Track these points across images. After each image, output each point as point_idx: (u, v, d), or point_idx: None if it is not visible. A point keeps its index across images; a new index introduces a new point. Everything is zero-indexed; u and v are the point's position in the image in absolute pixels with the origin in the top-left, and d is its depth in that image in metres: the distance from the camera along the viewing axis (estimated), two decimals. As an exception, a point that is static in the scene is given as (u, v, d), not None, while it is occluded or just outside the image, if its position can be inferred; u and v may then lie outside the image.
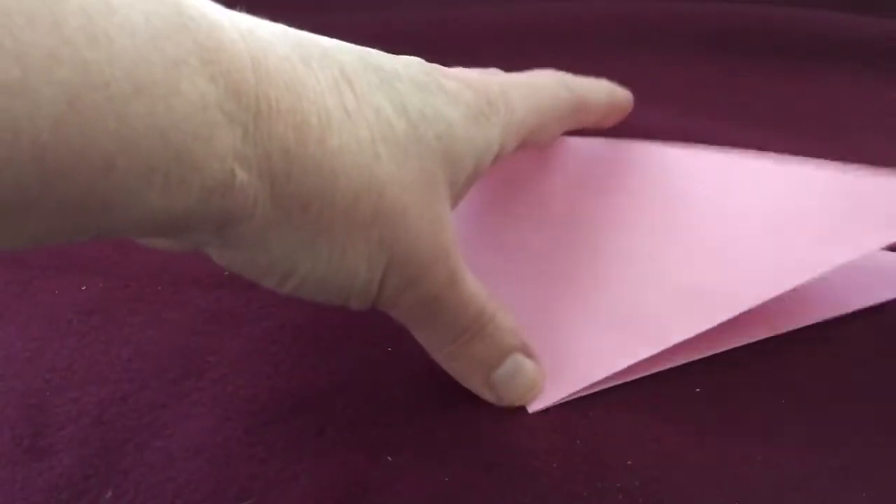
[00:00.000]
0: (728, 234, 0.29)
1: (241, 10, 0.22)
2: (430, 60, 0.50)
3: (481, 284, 0.24)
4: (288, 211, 0.19)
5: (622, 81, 0.48)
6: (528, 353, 0.26)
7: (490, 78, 0.26)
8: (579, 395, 0.26)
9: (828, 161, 0.30)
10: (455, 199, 0.24)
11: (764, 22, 0.46)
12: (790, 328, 0.28)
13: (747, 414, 0.26)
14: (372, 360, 0.28)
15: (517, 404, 0.26)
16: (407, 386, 0.27)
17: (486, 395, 0.26)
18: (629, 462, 0.24)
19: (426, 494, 0.23)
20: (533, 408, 0.26)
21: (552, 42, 0.52)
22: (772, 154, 0.31)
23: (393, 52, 0.50)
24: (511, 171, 0.34)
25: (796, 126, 0.41)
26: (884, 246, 0.26)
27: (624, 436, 0.25)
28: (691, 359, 0.27)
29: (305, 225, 0.20)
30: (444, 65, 0.49)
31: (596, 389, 0.26)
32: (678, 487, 0.24)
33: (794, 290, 0.26)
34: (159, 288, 0.32)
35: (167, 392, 0.27)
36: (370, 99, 0.21)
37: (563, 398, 0.26)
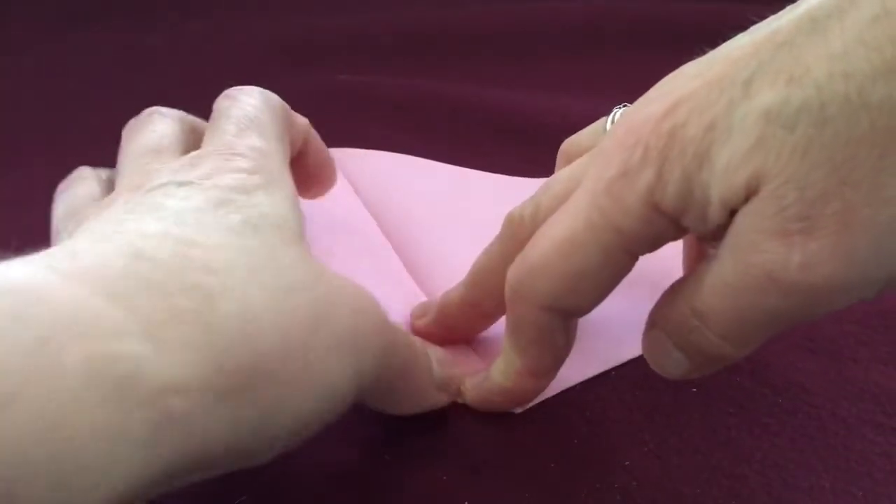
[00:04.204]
0: None
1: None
2: (430, 60, 0.50)
3: None
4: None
5: (622, 80, 0.48)
6: None
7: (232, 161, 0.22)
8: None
9: None
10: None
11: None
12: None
13: (745, 414, 0.26)
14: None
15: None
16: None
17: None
18: (627, 462, 0.24)
19: (424, 494, 0.24)
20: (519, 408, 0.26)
21: (552, 42, 0.52)
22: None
23: (393, 52, 0.51)
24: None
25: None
26: None
27: (622, 436, 0.25)
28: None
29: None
30: (445, 64, 0.49)
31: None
32: (675, 488, 0.24)
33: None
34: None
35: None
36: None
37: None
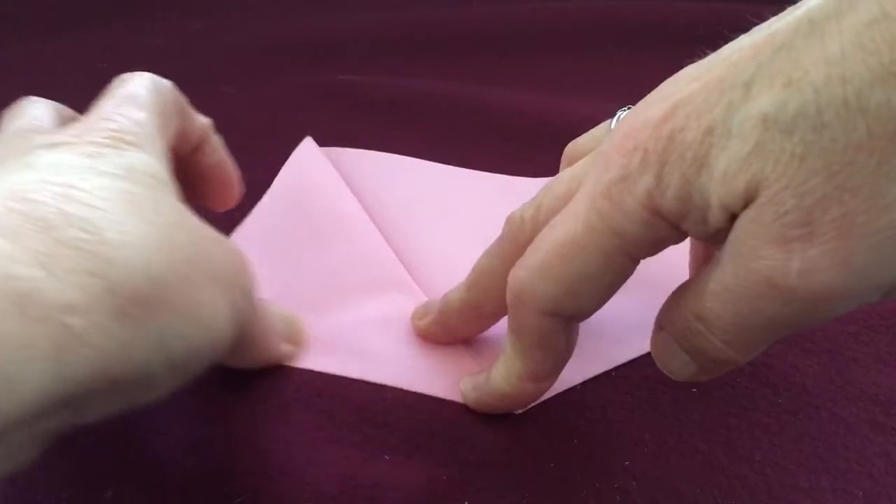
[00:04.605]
0: None
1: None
2: (430, 60, 0.50)
3: None
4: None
5: (622, 80, 0.48)
6: None
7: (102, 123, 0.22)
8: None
9: None
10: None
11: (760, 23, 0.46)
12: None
13: (745, 414, 0.26)
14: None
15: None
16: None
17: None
18: (627, 462, 0.24)
19: (424, 493, 0.24)
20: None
21: (552, 42, 0.52)
22: None
23: (393, 52, 0.51)
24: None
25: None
26: None
27: (622, 436, 0.25)
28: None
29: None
30: (445, 64, 0.49)
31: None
32: (675, 488, 0.24)
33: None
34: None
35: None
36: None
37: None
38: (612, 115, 0.29)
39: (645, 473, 0.24)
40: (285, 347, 0.28)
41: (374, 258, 0.32)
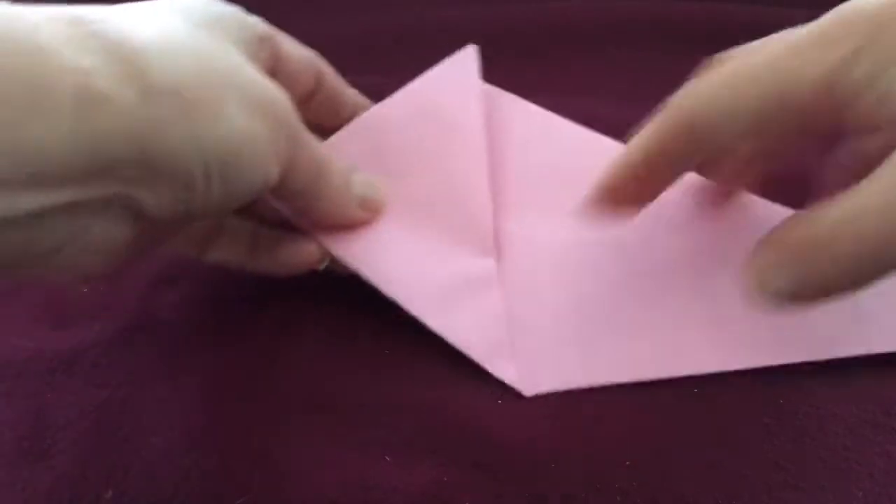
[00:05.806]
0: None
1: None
2: (430, 60, 0.50)
3: None
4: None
5: (623, 80, 0.48)
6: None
7: None
8: (573, 386, 0.27)
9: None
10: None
11: (759, 23, 0.46)
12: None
13: (745, 414, 0.26)
14: (371, 360, 0.28)
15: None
16: (405, 386, 0.27)
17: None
18: (627, 462, 0.24)
19: (424, 494, 0.24)
20: (528, 392, 0.26)
21: (552, 41, 0.52)
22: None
23: (392, 53, 0.51)
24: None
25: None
26: None
27: (622, 436, 0.25)
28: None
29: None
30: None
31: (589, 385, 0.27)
32: (676, 488, 0.24)
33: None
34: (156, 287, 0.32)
35: (165, 390, 0.27)
36: None
37: (559, 389, 0.26)
38: (613, 115, 0.29)
39: (645, 474, 0.24)
40: (357, 212, 0.28)
41: (468, 198, 0.30)
